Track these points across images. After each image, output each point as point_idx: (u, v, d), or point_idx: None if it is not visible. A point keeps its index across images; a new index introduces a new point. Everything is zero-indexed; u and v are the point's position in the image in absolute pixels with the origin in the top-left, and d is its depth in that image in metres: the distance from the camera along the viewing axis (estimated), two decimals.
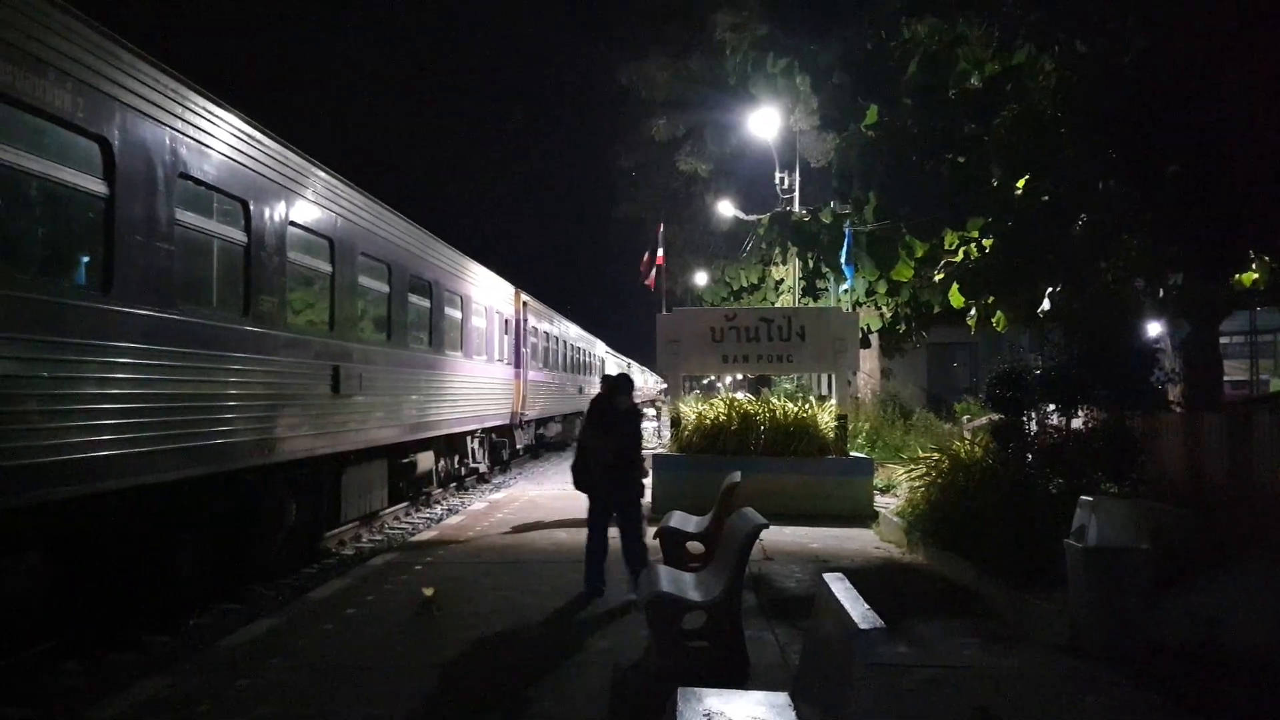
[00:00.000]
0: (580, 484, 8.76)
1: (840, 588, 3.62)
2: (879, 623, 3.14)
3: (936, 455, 11.18)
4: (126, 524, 7.72)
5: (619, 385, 8.96)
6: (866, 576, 9.14)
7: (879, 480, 14.91)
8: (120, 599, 8.03)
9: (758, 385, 30.40)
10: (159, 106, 7.75)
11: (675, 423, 15.34)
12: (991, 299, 11.20)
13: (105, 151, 7.04)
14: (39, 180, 6.46)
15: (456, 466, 18.64)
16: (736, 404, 15.39)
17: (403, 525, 14.86)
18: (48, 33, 6.45)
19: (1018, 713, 5.45)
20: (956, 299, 11.76)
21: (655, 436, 25.10)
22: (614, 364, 49.85)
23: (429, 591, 8.09)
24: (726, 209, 29.57)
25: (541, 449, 28.47)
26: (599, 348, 41.83)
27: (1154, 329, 11.91)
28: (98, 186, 6.97)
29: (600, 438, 8.73)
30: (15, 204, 6.43)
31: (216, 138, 8.67)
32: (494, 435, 21.44)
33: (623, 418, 8.74)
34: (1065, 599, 6.99)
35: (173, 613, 8.55)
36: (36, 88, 6.32)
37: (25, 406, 6.16)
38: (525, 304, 23.14)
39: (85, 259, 7.13)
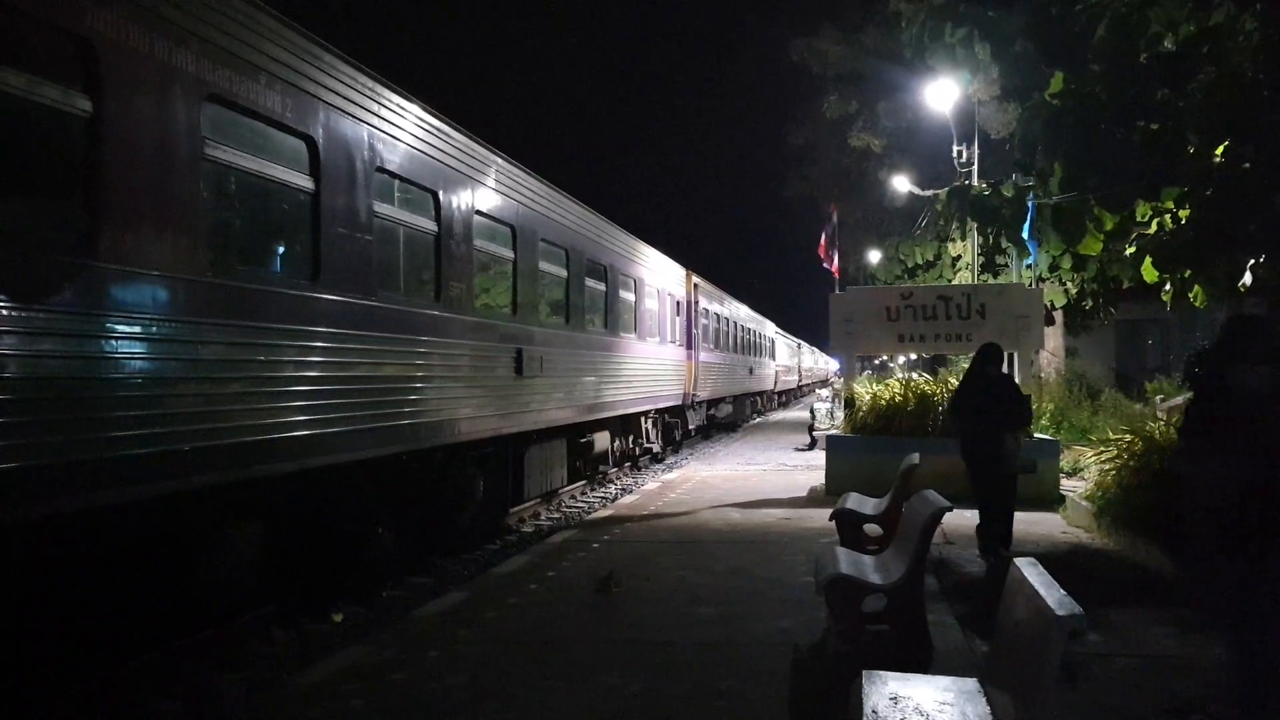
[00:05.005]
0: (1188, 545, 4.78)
1: (1033, 572, 3.56)
2: (1077, 609, 3.06)
3: (1129, 436, 10.69)
4: (328, 501, 8.18)
5: (1247, 339, 4.60)
6: (1054, 561, 8.78)
7: (1065, 463, 14.38)
8: (322, 571, 8.49)
9: (934, 365, 29.69)
10: (357, 104, 8.18)
11: (849, 404, 15.18)
12: (1188, 272, 10.64)
13: (311, 149, 7.49)
14: (254, 178, 6.94)
15: (631, 446, 19.00)
16: (912, 384, 15.11)
17: (580, 503, 15.28)
18: (260, 39, 6.88)
19: (1227, 707, 5.19)
20: (1150, 273, 11.20)
21: (829, 418, 24.86)
22: (784, 345, 49.53)
23: (608, 570, 8.32)
24: (901, 184, 28.89)
25: (713, 430, 28.62)
26: (769, 328, 41.64)
27: None
28: (305, 182, 7.43)
29: (1207, 451, 4.57)
30: (234, 200, 6.96)
31: (408, 131, 9.09)
32: (666, 416, 21.70)
33: (1250, 404, 4.45)
34: None
35: (367, 584, 8.99)
36: (251, 91, 6.79)
37: (243, 388, 6.62)
38: (696, 285, 23.26)
39: (295, 250, 7.64)
